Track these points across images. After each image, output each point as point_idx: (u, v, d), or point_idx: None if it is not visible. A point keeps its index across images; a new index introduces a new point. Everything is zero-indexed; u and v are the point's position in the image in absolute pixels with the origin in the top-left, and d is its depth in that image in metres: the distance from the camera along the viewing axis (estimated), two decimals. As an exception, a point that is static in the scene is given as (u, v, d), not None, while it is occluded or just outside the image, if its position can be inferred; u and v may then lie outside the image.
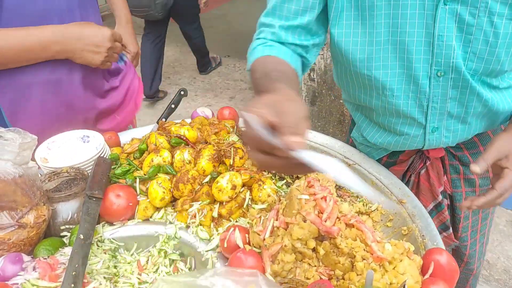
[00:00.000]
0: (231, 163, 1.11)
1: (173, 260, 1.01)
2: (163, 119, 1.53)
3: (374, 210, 1.26)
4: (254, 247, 0.92)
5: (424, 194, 1.28)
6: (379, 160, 1.32)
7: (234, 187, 1.02)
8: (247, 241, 0.93)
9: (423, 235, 1.07)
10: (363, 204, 1.27)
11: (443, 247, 1.01)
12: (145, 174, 1.10)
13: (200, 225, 1.02)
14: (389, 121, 1.10)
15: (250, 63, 0.98)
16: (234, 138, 1.29)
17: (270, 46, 0.96)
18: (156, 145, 1.16)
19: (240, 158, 1.12)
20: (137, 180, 1.09)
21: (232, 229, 0.93)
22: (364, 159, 1.37)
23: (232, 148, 1.13)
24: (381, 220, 1.24)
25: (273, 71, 0.86)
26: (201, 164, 1.08)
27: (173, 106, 1.57)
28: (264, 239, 0.89)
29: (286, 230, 0.88)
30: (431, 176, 1.24)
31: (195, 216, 1.02)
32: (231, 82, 5.06)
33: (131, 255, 1.03)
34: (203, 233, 1.00)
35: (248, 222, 1.01)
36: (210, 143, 1.18)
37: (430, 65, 0.94)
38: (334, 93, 2.65)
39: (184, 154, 1.11)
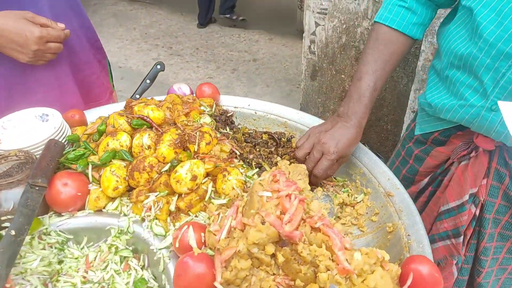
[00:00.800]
0: (196, 150, 0.98)
1: (124, 257, 0.91)
2: (137, 96, 1.41)
3: (360, 202, 1.14)
4: (210, 248, 0.81)
5: (452, 188, 1.12)
6: (429, 134, 1.18)
7: (194, 178, 0.90)
8: (203, 241, 0.82)
9: (408, 235, 0.95)
10: (348, 195, 1.15)
11: (430, 252, 0.88)
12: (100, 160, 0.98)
13: (156, 219, 0.91)
14: (458, 78, 0.99)
15: (378, 19, 1.15)
16: (206, 119, 1.16)
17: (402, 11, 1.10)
18: (114, 127, 1.04)
19: (207, 143, 0.99)
20: (89, 167, 0.98)
21: (185, 226, 0.82)
22: (360, 148, 1.23)
23: (197, 133, 1.00)
24: (366, 213, 1.12)
25: (370, 84, 1.12)
26: (161, 150, 0.96)
27: (148, 81, 1.44)
28: (219, 240, 0.78)
29: (243, 232, 0.76)
30: (469, 171, 1.07)
31: (150, 209, 0.91)
32: (234, 53, 4.87)
33: (81, 249, 0.94)
34: (158, 228, 0.90)
35: (208, 218, 0.89)
36: (176, 126, 1.05)
37: None
38: (336, 67, 2.47)
39: (143, 138, 0.99)
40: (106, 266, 0.90)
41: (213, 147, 1.00)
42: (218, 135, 1.10)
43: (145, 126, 1.05)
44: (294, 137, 1.33)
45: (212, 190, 0.93)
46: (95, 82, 1.46)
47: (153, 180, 0.94)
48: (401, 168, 1.31)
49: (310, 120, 1.35)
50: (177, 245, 0.81)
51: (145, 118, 1.06)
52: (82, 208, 0.96)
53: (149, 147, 0.99)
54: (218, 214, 0.83)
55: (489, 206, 1.07)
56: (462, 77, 0.97)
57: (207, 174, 0.96)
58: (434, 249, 1.16)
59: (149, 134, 1.00)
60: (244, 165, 1.03)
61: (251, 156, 1.20)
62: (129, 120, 1.05)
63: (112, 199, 0.97)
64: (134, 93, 1.40)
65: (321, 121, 1.33)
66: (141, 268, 0.90)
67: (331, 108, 2.61)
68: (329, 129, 1.09)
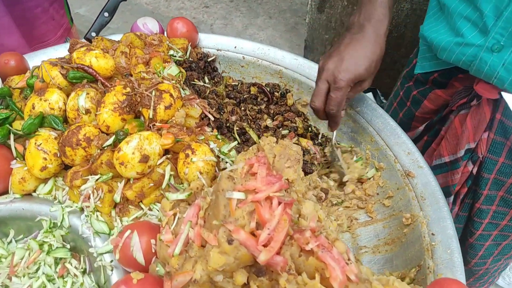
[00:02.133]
0: (151, 116, 0.72)
1: (60, 259, 0.70)
2: (92, 34, 1.11)
3: (370, 179, 0.90)
4: (162, 263, 0.59)
5: (447, 141, 0.91)
6: (429, 74, 0.97)
7: (145, 159, 0.65)
8: (154, 251, 0.60)
9: (432, 234, 0.72)
10: (361, 165, 0.91)
11: (461, 263, 0.66)
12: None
13: (98, 211, 0.69)
14: (456, 8, 0.79)
15: None
16: (172, 70, 0.88)
17: None
18: (44, 81, 0.77)
19: (166, 107, 0.73)
20: (11, 137, 0.73)
21: (128, 231, 0.60)
22: (365, 102, 0.96)
23: (153, 92, 0.73)
24: (377, 194, 0.88)
25: None
26: (102, 116, 0.70)
27: (106, 15, 1.13)
28: (172, 256, 0.55)
29: (203, 249, 0.53)
30: (467, 123, 0.86)
31: (89, 198, 0.68)
32: (234, -21, 4.33)
33: (8, 244, 0.73)
34: (99, 224, 0.67)
35: (160, 220, 0.66)
36: (128, 80, 0.78)
37: None
38: (347, -3, 2.08)
39: (79, 99, 0.73)
40: (38, 270, 0.69)
41: (175, 112, 0.74)
42: (186, 93, 0.83)
43: (86, 80, 0.78)
44: (290, 91, 1.06)
45: (171, 175, 0.68)
46: (41, 16, 1.16)
47: (93, 158, 0.69)
48: (399, 111, 1.09)
49: (311, 69, 1.06)
50: (117, 257, 0.59)
51: (87, 68, 0.78)
52: (5, 191, 0.74)
53: (87, 111, 0.73)
54: (174, 214, 0.60)
55: (489, 164, 0.88)
56: (460, 7, 0.78)
57: (166, 152, 0.71)
58: None
59: (87, 93, 0.73)
60: (219, 137, 0.77)
61: (233, 118, 0.94)
62: (64, 72, 0.78)
63: (44, 179, 0.73)
64: (88, 31, 1.10)
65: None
66: (82, 273, 0.69)
67: (340, 46, 2.27)
68: (335, 49, 0.82)
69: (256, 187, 0.53)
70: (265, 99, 1.05)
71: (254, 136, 0.89)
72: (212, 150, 0.71)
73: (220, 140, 0.76)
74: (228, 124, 0.90)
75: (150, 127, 0.72)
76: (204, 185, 0.63)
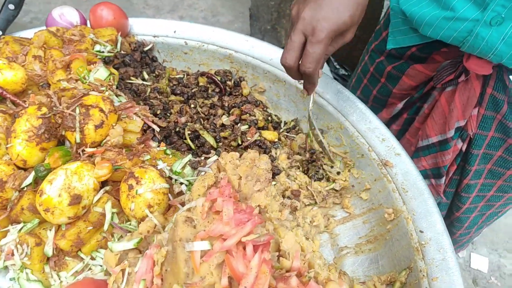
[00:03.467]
0: (78, 140, 0.58)
1: (-13, 332, 0.56)
2: (-4, 32, 0.91)
3: (340, 173, 0.81)
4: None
5: (433, 120, 0.84)
6: (405, 49, 0.85)
7: (76, 199, 0.52)
8: (103, 315, 0.48)
9: (421, 231, 0.65)
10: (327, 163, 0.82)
11: (456, 267, 0.60)
12: None
13: (27, 268, 0.55)
14: None
15: None
16: (100, 73, 0.72)
17: None
18: None
19: (97, 126, 0.59)
20: None
21: (67, 299, 0.47)
22: (328, 84, 0.86)
23: (78, 108, 0.58)
24: (352, 186, 0.81)
25: None
26: (15, 149, 0.55)
27: (11, 7, 0.92)
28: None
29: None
30: (456, 101, 0.79)
31: (12, 254, 0.54)
32: None
33: None
34: (32, 285, 0.54)
35: (106, 272, 0.54)
36: (46, 95, 0.62)
37: None
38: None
39: (-20, 130, 0.56)
40: None
41: (109, 129, 0.60)
42: (122, 100, 0.68)
43: (-11, 101, 0.62)
44: (244, 78, 0.93)
45: (113, 213, 0.55)
46: None
47: (11, 204, 0.55)
48: (371, 88, 0.99)
49: (266, 50, 0.94)
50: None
51: (-13, 85, 0.61)
52: None
53: (-6, 144, 0.57)
54: (122, 270, 0.48)
55: (478, 140, 0.83)
56: None
57: (103, 183, 0.58)
58: None
59: (-9, 120, 0.57)
60: (168, 152, 0.64)
61: (182, 120, 0.80)
62: (-43, 93, 0.61)
63: (-49, 235, 0.58)
64: (-9, 28, 0.89)
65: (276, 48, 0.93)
66: None
67: (288, 13, 2.13)
68: None
69: (223, 232, 0.42)
70: (217, 89, 0.92)
71: (210, 139, 0.77)
72: (161, 173, 0.58)
73: (170, 156, 0.63)
74: (177, 129, 0.77)
75: (80, 154, 0.58)
76: (156, 226, 0.51)
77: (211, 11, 3.12)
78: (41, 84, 0.70)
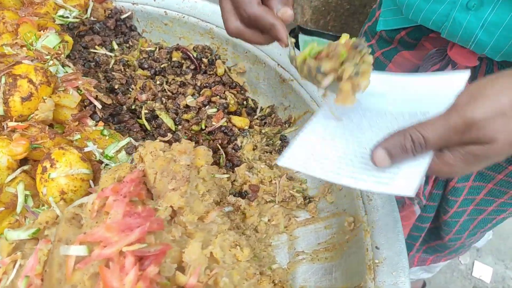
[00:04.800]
0: (1, 113, 0.53)
1: None
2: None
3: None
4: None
5: None
6: (395, 32, 0.78)
7: (-16, 178, 0.47)
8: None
9: (377, 247, 0.58)
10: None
11: (407, 286, 0.52)
12: None
13: None
14: None
15: None
16: (49, 40, 0.66)
17: None
18: None
19: (24, 99, 0.54)
20: None
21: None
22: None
23: (3, 78, 0.53)
24: (316, 188, 0.73)
25: None
26: None
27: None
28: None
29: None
30: None
31: None
32: None
33: None
34: None
35: None
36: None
37: None
38: None
39: None
40: None
41: (38, 103, 0.55)
42: (68, 71, 0.63)
43: None
44: (220, 57, 0.86)
45: (27, 195, 0.51)
46: None
47: None
48: None
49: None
50: None
51: None
52: None
53: None
54: (14, 261, 0.43)
55: None
56: None
57: (22, 162, 0.53)
58: None
59: None
60: (105, 132, 0.58)
61: (143, 97, 0.74)
62: None
63: None
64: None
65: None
66: None
67: (306, -13, 1.99)
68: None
69: (103, 238, 0.36)
70: (192, 66, 0.85)
71: (168, 121, 0.71)
72: (84, 156, 0.53)
73: (107, 137, 0.58)
74: (133, 107, 0.71)
75: (4, 127, 0.54)
76: (57, 216, 0.46)
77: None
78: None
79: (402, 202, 0.86)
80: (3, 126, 0.54)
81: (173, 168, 0.44)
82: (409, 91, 0.49)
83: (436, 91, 0.47)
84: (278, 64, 0.81)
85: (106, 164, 0.56)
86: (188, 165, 0.45)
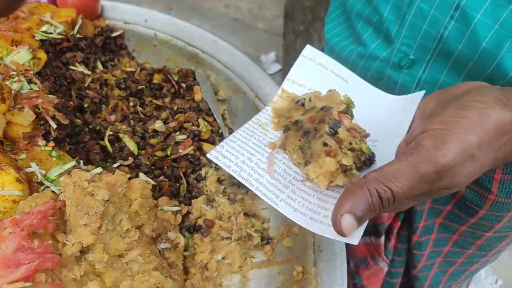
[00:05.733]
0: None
1: None
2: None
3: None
4: None
5: None
6: None
7: None
8: None
9: (320, 306, 0.53)
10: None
11: None
12: None
13: None
14: (353, 6, 0.60)
15: None
16: (21, 56, 0.67)
17: None
18: None
19: (-26, 113, 0.54)
20: None
21: None
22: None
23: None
24: (277, 229, 0.69)
25: None
26: None
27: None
28: None
29: None
30: None
31: None
32: None
33: None
34: None
35: None
36: None
37: None
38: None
39: None
40: None
41: (-13, 120, 0.55)
42: (30, 89, 0.63)
43: None
44: (199, 83, 0.85)
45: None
46: None
47: None
48: None
49: (231, 56, 0.84)
50: None
51: None
52: None
53: None
54: None
55: None
56: (358, 4, 0.59)
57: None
58: (352, 246, 0.80)
59: None
60: (54, 153, 0.58)
61: (112, 118, 0.74)
62: None
63: None
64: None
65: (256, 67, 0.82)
66: None
67: (323, 16, 1.98)
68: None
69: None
70: (172, 90, 0.85)
71: (131, 145, 0.70)
72: (29, 177, 0.52)
73: (54, 159, 0.57)
74: (98, 128, 0.70)
75: None
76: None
77: (258, 3, 3.03)
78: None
79: (365, 262, 0.82)
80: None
81: (87, 203, 0.43)
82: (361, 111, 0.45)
83: (389, 113, 0.44)
84: (256, 96, 0.79)
85: (47, 187, 0.55)
86: (107, 200, 0.44)
